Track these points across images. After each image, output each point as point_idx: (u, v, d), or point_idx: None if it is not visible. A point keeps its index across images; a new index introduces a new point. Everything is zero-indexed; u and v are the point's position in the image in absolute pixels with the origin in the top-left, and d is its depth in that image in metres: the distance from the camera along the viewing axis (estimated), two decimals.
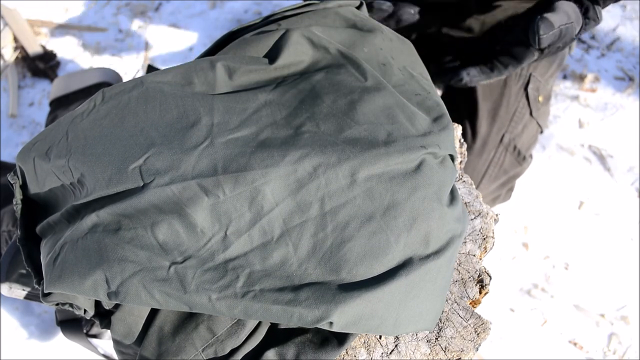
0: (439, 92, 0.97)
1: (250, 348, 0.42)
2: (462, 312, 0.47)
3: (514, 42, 0.68)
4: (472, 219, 0.52)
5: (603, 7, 0.63)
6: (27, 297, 0.65)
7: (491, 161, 0.82)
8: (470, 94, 0.81)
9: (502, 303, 1.00)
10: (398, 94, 0.47)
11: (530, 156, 0.86)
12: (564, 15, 0.60)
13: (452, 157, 0.46)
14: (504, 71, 0.70)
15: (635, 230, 1.05)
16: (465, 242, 0.51)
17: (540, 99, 0.84)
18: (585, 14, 0.63)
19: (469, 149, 0.81)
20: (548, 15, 0.59)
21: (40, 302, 0.45)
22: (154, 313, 0.44)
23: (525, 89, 0.81)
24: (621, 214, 1.07)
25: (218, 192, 0.39)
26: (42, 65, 1.23)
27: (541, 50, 0.65)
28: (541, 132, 0.87)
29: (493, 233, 0.52)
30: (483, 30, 0.82)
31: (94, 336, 0.81)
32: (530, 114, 0.82)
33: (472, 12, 0.79)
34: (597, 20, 0.63)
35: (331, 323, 0.38)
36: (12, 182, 0.48)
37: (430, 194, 0.42)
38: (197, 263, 0.39)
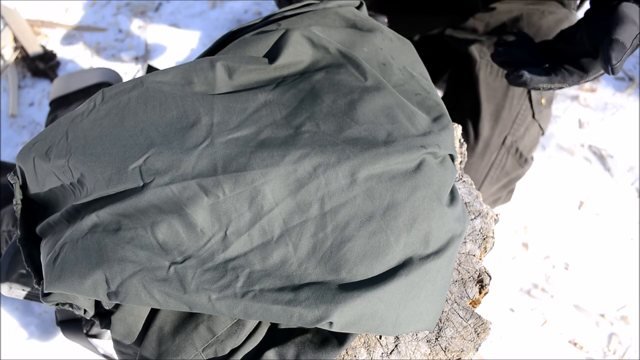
0: (440, 93, 0.97)
1: (250, 348, 0.42)
2: (462, 312, 0.47)
3: (580, 52, 0.61)
4: (472, 219, 0.52)
5: None
6: (27, 297, 0.65)
7: (493, 163, 0.82)
8: (473, 94, 0.81)
9: (502, 303, 1.00)
10: (398, 94, 0.47)
11: (532, 158, 0.86)
12: (632, 25, 0.54)
13: (452, 157, 0.46)
14: (569, 79, 0.62)
15: (635, 230, 1.05)
16: (465, 242, 0.51)
17: (543, 101, 0.84)
18: None
19: (471, 150, 0.81)
20: (617, 34, 0.53)
21: (40, 302, 0.45)
22: (154, 313, 0.44)
23: (529, 91, 0.81)
24: (621, 214, 1.07)
25: (218, 192, 0.39)
26: (42, 65, 1.23)
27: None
28: (542, 134, 0.87)
29: (493, 233, 0.52)
30: (487, 31, 0.81)
31: (94, 336, 0.81)
32: (533, 116, 0.82)
33: (475, 13, 0.78)
34: None
35: (331, 323, 0.38)
36: (12, 182, 0.48)
37: (430, 193, 0.42)
38: (197, 263, 0.39)
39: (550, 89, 0.63)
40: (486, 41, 0.81)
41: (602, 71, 0.60)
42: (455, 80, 0.90)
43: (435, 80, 0.96)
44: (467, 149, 0.80)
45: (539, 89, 0.63)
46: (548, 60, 0.64)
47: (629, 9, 0.55)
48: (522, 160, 0.84)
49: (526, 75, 0.62)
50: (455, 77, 0.91)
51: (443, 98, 0.90)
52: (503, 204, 0.97)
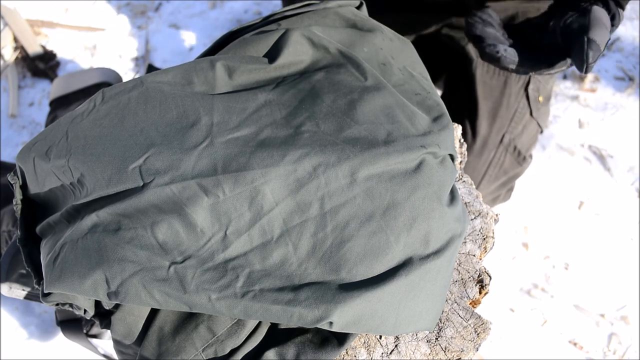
0: (439, 92, 0.97)
1: (250, 348, 0.42)
2: (462, 312, 0.47)
3: (549, 43, 0.63)
4: (472, 219, 0.52)
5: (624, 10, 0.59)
6: (27, 297, 0.65)
7: (491, 161, 0.82)
8: (470, 93, 0.81)
9: (502, 303, 1.00)
10: (398, 94, 0.47)
11: (530, 156, 0.86)
12: (603, 28, 0.56)
13: (452, 157, 0.46)
14: (536, 67, 0.63)
15: (635, 230, 1.05)
16: (465, 242, 0.51)
17: (541, 99, 0.84)
18: (611, 19, 0.59)
19: (468, 149, 0.81)
20: (593, 35, 0.55)
21: (40, 302, 0.45)
22: (154, 313, 0.44)
23: (526, 89, 0.81)
24: (621, 214, 1.07)
25: (218, 191, 0.39)
26: (42, 65, 1.23)
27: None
28: (541, 132, 0.86)
29: (493, 233, 0.52)
30: None
31: (94, 336, 0.81)
32: (531, 114, 0.82)
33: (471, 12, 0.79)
34: (617, 25, 0.59)
35: (331, 323, 0.38)
36: (12, 182, 0.48)
37: (430, 193, 0.42)
38: (197, 263, 0.39)
39: (517, 72, 0.63)
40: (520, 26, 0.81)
41: (565, 67, 0.61)
42: (452, 80, 0.90)
43: (434, 80, 0.96)
44: (466, 148, 0.80)
45: (507, 69, 0.62)
46: (516, 44, 0.64)
47: (600, 13, 0.57)
48: (521, 159, 0.84)
49: (502, 52, 0.61)
50: (452, 76, 0.91)
51: (441, 98, 0.90)
52: (502, 203, 0.97)
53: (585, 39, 0.55)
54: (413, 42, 0.60)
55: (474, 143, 0.81)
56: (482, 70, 0.81)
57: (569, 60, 0.60)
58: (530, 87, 0.81)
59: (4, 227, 0.85)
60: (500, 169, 0.83)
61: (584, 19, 0.57)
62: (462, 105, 0.82)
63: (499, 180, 0.85)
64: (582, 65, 0.55)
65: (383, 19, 0.61)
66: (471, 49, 0.82)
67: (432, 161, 0.43)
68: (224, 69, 0.46)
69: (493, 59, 0.61)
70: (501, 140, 0.81)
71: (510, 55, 0.61)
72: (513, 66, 0.61)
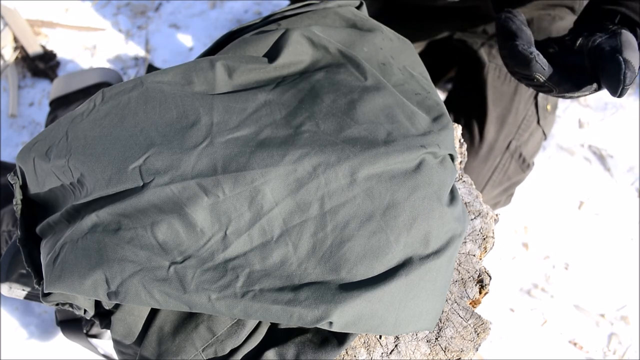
0: (440, 92, 0.97)
1: (250, 348, 0.42)
2: (462, 312, 0.47)
3: (574, 63, 0.55)
4: (472, 219, 0.52)
5: None
6: (27, 297, 0.65)
7: (496, 167, 0.82)
8: (480, 97, 0.81)
9: (502, 303, 1.00)
10: (398, 94, 0.47)
11: (533, 163, 0.86)
12: (636, 51, 0.50)
13: (452, 157, 0.46)
14: (562, 86, 0.54)
15: (635, 230, 1.05)
16: (465, 242, 0.51)
17: (549, 107, 0.84)
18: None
19: (475, 153, 0.81)
20: (627, 56, 0.48)
21: (40, 302, 0.45)
22: (154, 313, 0.44)
23: (535, 97, 0.81)
24: (621, 214, 1.07)
25: (218, 191, 0.39)
26: (42, 65, 1.23)
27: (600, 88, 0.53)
28: (544, 139, 0.87)
29: (493, 233, 0.52)
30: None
31: (94, 336, 0.81)
32: (538, 122, 0.82)
33: (487, 17, 0.78)
34: None
35: (331, 323, 0.38)
36: (12, 182, 0.48)
37: (430, 193, 0.42)
38: (197, 263, 0.39)
39: (540, 88, 0.56)
40: (495, 44, 0.81)
41: (589, 92, 0.55)
42: (461, 81, 0.90)
43: (437, 79, 0.96)
44: (471, 152, 0.80)
45: (532, 77, 0.54)
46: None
47: (630, 37, 0.51)
48: (525, 166, 0.84)
49: (536, 55, 0.52)
50: (462, 78, 0.91)
51: (448, 97, 0.90)
52: (502, 207, 0.97)
53: (622, 59, 0.49)
54: (425, 47, 0.58)
55: (481, 148, 0.81)
56: (493, 76, 0.81)
57: (595, 85, 0.53)
58: (540, 95, 0.81)
59: (4, 227, 0.85)
60: (505, 175, 0.83)
61: (615, 41, 0.51)
62: (471, 109, 0.81)
63: (502, 186, 0.85)
64: (618, 86, 0.49)
65: (395, 27, 0.59)
66: (483, 53, 0.81)
67: (432, 161, 0.43)
68: (224, 69, 0.46)
69: (525, 60, 0.53)
70: (507, 147, 0.81)
71: (542, 62, 0.52)
72: (542, 77, 0.53)
